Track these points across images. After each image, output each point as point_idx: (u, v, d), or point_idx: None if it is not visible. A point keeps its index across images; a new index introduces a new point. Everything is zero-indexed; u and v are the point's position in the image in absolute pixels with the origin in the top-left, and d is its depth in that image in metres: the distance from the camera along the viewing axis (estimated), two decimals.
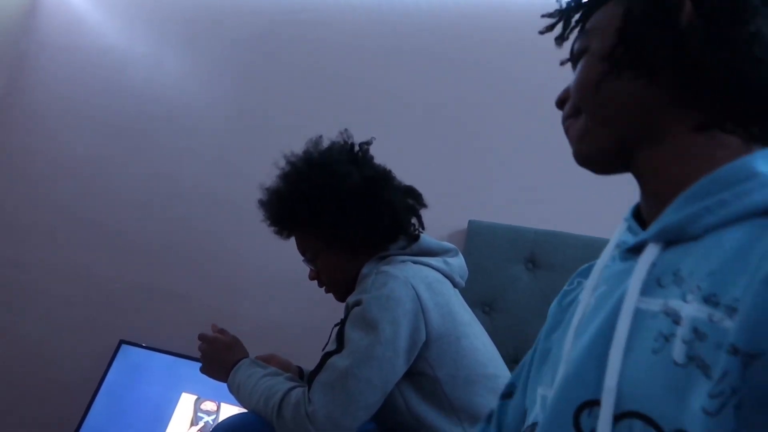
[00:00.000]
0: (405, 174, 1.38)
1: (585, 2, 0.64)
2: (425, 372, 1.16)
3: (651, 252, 0.51)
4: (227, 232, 2.18)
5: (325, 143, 1.36)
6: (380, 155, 1.39)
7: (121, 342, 2.11)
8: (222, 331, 1.37)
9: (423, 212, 1.38)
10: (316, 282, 1.39)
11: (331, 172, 1.27)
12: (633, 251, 0.54)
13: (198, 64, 2.40)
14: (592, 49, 0.59)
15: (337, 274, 1.33)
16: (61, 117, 2.45)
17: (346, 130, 1.37)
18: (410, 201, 1.34)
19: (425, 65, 2.17)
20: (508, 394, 0.73)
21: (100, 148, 2.38)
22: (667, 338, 0.44)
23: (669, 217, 0.51)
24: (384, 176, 1.32)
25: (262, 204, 1.36)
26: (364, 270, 1.26)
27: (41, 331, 2.25)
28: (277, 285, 2.09)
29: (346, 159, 1.31)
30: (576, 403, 0.49)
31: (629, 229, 0.60)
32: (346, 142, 1.35)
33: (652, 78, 0.54)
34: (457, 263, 1.35)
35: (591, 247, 1.80)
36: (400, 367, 1.13)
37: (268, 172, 1.36)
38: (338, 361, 1.12)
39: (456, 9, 2.19)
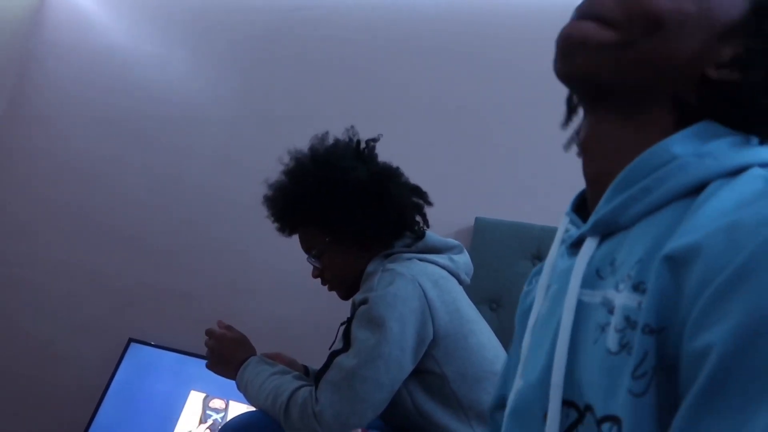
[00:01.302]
0: (412, 171, 1.38)
1: None
2: (433, 370, 1.17)
3: (589, 246, 0.51)
4: (234, 230, 2.19)
5: (331, 140, 1.35)
6: (387, 152, 1.38)
7: (131, 340, 2.12)
8: (229, 328, 1.37)
9: (429, 210, 1.38)
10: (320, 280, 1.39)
11: (336, 168, 1.26)
12: (576, 246, 0.55)
13: (204, 61, 2.40)
14: None
15: (342, 271, 1.33)
16: (67, 116, 2.47)
17: (352, 127, 1.37)
18: (416, 199, 1.34)
19: (431, 62, 2.16)
20: (501, 405, 0.72)
21: (107, 147, 2.39)
22: (603, 328, 0.45)
23: (601, 208, 0.51)
24: (391, 172, 1.32)
25: (267, 200, 1.36)
26: (369, 268, 1.26)
27: (50, 331, 2.26)
28: (284, 283, 2.09)
29: (352, 155, 1.31)
30: (540, 413, 0.50)
31: (572, 222, 0.60)
32: (351, 139, 1.35)
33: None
34: (463, 260, 1.34)
35: None
36: (407, 366, 1.14)
37: (274, 170, 1.36)
38: (345, 360, 1.12)
39: (464, 4, 2.18)
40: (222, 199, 2.23)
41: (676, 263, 0.40)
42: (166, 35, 2.45)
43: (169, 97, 2.38)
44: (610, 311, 0.45)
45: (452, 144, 2.07)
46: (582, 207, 0.61)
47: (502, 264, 1.84)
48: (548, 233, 1.84)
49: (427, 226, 1.35)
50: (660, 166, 0.48)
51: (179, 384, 2.00)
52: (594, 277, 0.49)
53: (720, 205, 0.41)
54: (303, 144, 1.37)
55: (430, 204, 1.36)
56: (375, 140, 1.35)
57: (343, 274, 1.33)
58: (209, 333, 1.36)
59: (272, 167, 1.37)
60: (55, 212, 2.38)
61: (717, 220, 0.39)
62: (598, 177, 0.55)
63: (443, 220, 1.90)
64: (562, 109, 0.66)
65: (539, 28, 2.04)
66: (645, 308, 0.41)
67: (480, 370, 1.17)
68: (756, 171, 0.43)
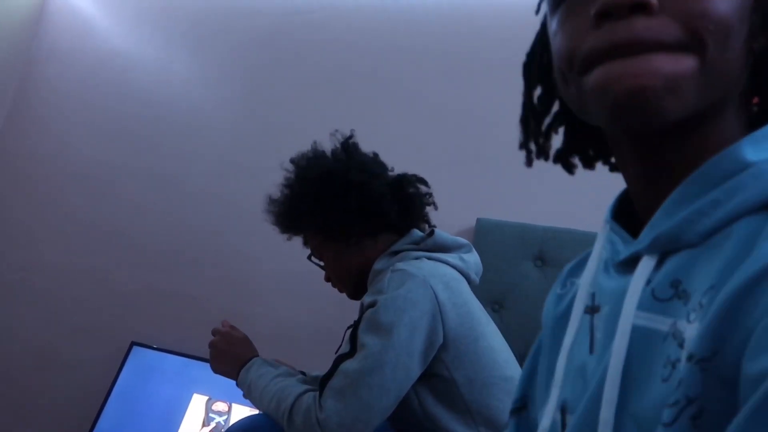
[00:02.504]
0: (412, 171, 1.39)
1: None
2: (441, 374, 1.15)
3: (646, 265, 0.45)
4: (238, 233, 2.19)
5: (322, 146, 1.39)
6: (388, 153, 1.39)
7: (133, 344, 2.12)
8: (232, 328, 1.38)
9: (430, 211, 1.38)
10: (329, 284, 1.40)
11: (305, 167, 1.32)
12: (628, 264, 0.48)
13: (206, 65, 2.40)
14: None
15: (341, 268, 1.33)
16: (69, 121, 2.47)
17: (336, 131, 1.39)
18: (410, 189, 1.33)
19: (432, 63, 2.16)
20: (522, 407, 0.65)
21: (109, 151, 2.39)
22: (674, 365, 0.39)
23: (661, 222, 0.45)
24: (360, 163, 1.32)
25: (269, 211, 1.38)
26: (377, 266, 1.25)
27: (53, 334, 2.26)
28: (289, 287, 2.09)
29: (343, 158, 1.33)
30: None
31: (614, 231, 0.53)
32: (343, 141, 1.37)
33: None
34: (473, 260, 1.33)
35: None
36: (415, 371, 1.12)
37: (277, 173, 1.37)
38: (350, 366, 1.10)
39: (464, 7, 2.18)
40: (225, 202, 2.23)
41: (744, 291, 0.35)
42: (167, 39, 2.45)
43: (171, 101, 2.38)
44: (681, 345, 0.39)
45: (452, 144, 2.08)
46: (622, 213, 0.55)
47: (505, 265, 1.84)
48: (551, 234, 1.84)
49: (430, 225, 1.35)
50: (731, 174, 0.42)
51: (182, 387, 2.00)
52: (650, 299, 0.44)
53: None
54: (305, 145, 1.38)
55: (428, 194, 1.36)
56: (351, 136, 1.37)
57: (342, 272, 1.33)
58: (215, 332, 1.36)
59: (275, 170, 1.38)
60: (58, 216, 2.37)
61: None
62: (652, 181, 0.48)
63: (444, 220, 1.89)
64: None
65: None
66: (697, 335, 0.37)
67: (489, 374, 1.15)
68: None
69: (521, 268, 1.83)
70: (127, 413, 1.99)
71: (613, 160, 0.59)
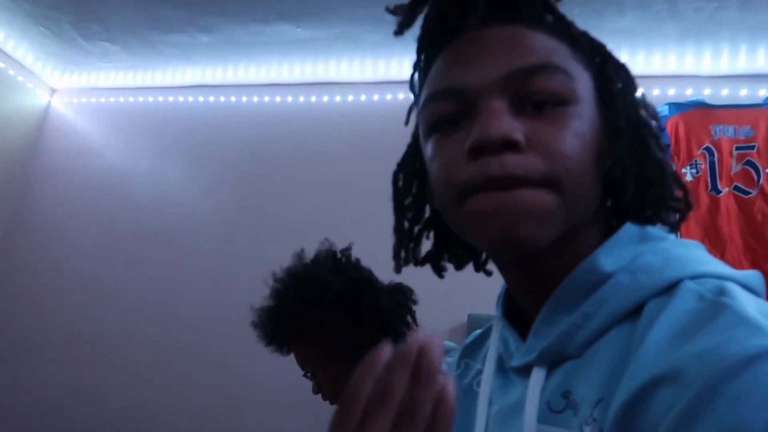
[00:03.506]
0: (403, 270, 1.40)
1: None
2: None
3: (538, 376, 0.49)
4: (230, 345, 2.15)
5: (310, 255, 1.38)
6: (378, 253, 1.40)
7: None
8: None
9: (422, 308, 1.38)
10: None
11: (313, 283, 1.27)
12: (519, 370, 0.53)
13: (196, 176, 2.48)
14: (583, 109, 0.49)
15: (338, 384, 1.31)
16: (65, 238, 2.50)
17: (326, 239, 1.39)
18: (401, 298, 1.34)
19: None
20: None
21: (104, 267, 2.41)
22: None
23: (543, 330, 0.50)
24: (367, 280, 1.33)
25: (254, 325, 1.36)
26: None
27: None
28: (281, 398, 2.03)
29: (330, 267, 1.33)
30: None
31: (506, 328, 0.56)
32: (328, 251, 1.37)
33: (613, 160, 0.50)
34: None
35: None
36: None
37: (268, 283, 1.37)
38: None
39: None
40: (217, 314, 2.22)
41: (632, 407, 0.40)
42: (160, 153, 2.55)
43: (165, 212, 2.44)
44: None
45: None
46: (510, 308, 0.59)
47: None
48: None
49: (416, 326, 1.35)
50: (594, 286, 0.47)
51: None
52: (546, 411, 0.47)
53: (662, 336, 0.41)
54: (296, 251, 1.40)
55: (415, 302, 1.36)
56: (349, 249, 1.37)
57: (338, 388, 1.31)
58: None
59: (266, 279, 1.38)
60: (50, 333, 2.36)
61: (663, 359, 0.40)
62: (531, 289, 0.53)
63: (436, 318, 1.89)
64: None
65: None
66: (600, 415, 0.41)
67: None
68: (688, 286, 0.44)
69: None
70: None
71: (483, 259, 0.64)
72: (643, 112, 0.53)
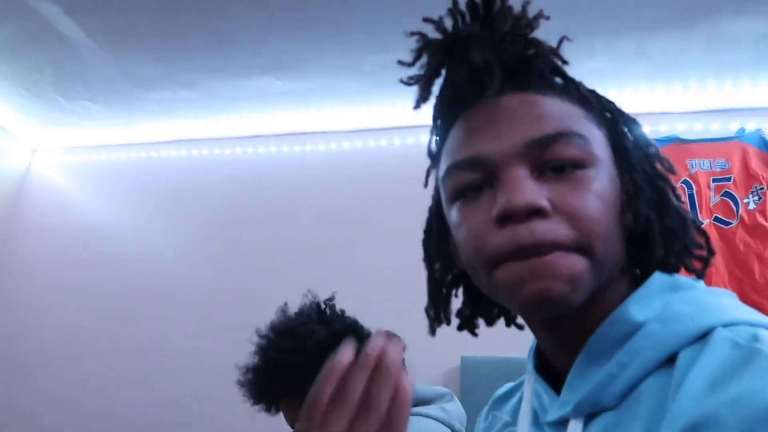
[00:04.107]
0: (391, 314, 1.39)
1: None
2: None
3: (575, 430, 0.49)
4: (218, 400, 2.10)
5: (293, 309, 1.36)
6: (366, 299, 1.40)
7: None
8: None
9: (413, 353, 1.36)
10: None
11: (295, 335, 1.25)
12: (555, 424, 0.52)
13: (181, 231, 2.47)
14: (601, 170, 0.50)
15: None
16: (47, 297, 2.46)
17: (309, 291, 1.38)
18: None
19: (405, 209, 2.23)
20: None
21: (87, 327, 2.36)
22: None
23: (577, 383, 0.50)
24: (351, 328, 1.31)
25: (240, 385, 1.33)
26: None
27: None
28: None
29: (314, 319, 1.31)
30: None
31: (539, 385, 0.56)
32: (312, 303, 1.36)
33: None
34: (455, 409, 1.30)
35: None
36: None
37: (252, 340, 1.35)
38: None
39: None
40: (202, 368, 2.17)
41: None
42: (141, 210, 2.54)
43: (147, 269, 2.42)
44: None
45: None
46: (541, 362, 0.59)
47: None
48: None
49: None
50: (626, 336, 0.48)
51: None
52: None
53: (698, 384, 0.41)
54: (282, 302, 1.38)
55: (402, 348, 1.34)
56: (332, 299, 1.36)
57: None
58: None
59: (250, 334, 1.36)
60: (33, 400, 2.29)
61: (700, 406, 0.40)
62: (561, 345, 0.53)
63: (428, 362, 1.86)
64: None
65: None
66: None
67: None
68: (721, 333, 0.44)
69: None
70: None
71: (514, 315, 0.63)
72: (657, 164, 0.55)
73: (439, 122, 0.59)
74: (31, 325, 2.42)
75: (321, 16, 1.85)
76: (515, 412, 0.62)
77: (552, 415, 0.52)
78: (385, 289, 2.06)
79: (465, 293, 0.62)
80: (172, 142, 2.64)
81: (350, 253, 2.23)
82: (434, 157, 0.59)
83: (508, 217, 0.47)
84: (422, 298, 2.09)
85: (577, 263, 0.46)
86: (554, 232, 0.46)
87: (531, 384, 0.58)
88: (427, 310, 0.63)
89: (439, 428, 1.21)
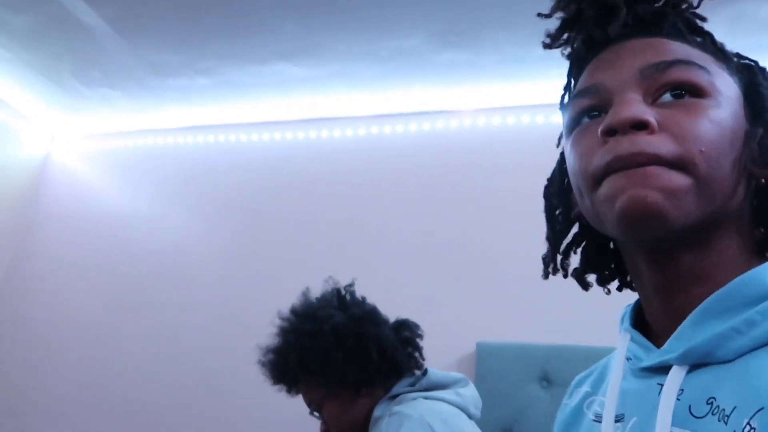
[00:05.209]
0: (407, 302, 1.39)
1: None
2: None
3: (677, 376, 0.46)
4: (233, 386, 2.13)
5: (315, 294, 1.39)
6: (381, 287, 1.40)
7: None
8: None
9: (429, 339, 1.37)
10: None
11: (314, 319, 1.29)
12: (651, 371, 0.50)
13: (199, 217, 2.48)
14: (724, 104, 0.49)
15: (343, 420, 1.29)
16: (66, 284, 2.50)
17: (330, 277, 1.40)
18: (406, 333, 1.34)
19: (421, 195, 2.25)
20: None
21: (105, 311, 2.40)
22: None
23: (689, 334, 0.47)
24: (370, 314, 1.33)
25: (261, 365, 1.36)
26: (376, 413, 1.24)
27: None
28: None
29: (334, 304, 1.33)
30: None
31: (634, 340, 0.54)
32: (333, 289, 1.38)
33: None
34: (470, 393, 1.31)
35: (603, 358, 1.76)
36: None
37: (272, 323, 1.37)
38: None
39: (450, 137, 2.32)
40: (219, 355, 2.20)
41: None
42: (159, 196, 2.56)
43: (164, 255, 2.44)
44: None
45: (445, 271, 2.10)
46: (638, 321, 0.57)
47: (510, 389, 1.79)
48: (554, 352, 1.81)
49: (423, 359, 1.34)
50: (762, 298, 0.45)
51: None
52: (687, 416, 0.44)
53: None
54: (299, 291, 1.40)
55: (420, 336, 1.36)
56: (351, 285, 1.38)
57: (346, 424, 1.29)
58: None
59: (270, 320, 1.38)
60: (52, 381, 2.33)
61: None
62: (666, 293, 0.51)
63: (444, 348, 1.87)
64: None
65: (522, 153, 2.16)
66: None
67: None
68: None
69: (527, 391, 1.78)
70: None
71: (627, 278, 0.62)
72: None
73: (571, 80, 0.60)
74: (50, 311, 2.46)
75: (337, 1, 1.84)
76: (596, 383, 0.61)
77: (650, 361, 0.50)
78: (403, 276, 2.07)
79: (582, 251, 0.63)
80: (189, 128, 2.66)
81: (367, 239, 2.23)
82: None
83: (612, 131, 0.47)
84: (439, 285, 2.11)
85: (677, 179, 0.45)
86: (655, 145, 0.46)
87: (625, 341, 0.56)
88: (544, 258, 0.63)
89: (452, 410, 1.22)
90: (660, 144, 0.46)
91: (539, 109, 2.24)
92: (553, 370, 1.79)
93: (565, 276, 0.63)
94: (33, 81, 2.43)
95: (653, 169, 0.45)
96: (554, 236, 0.63)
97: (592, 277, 0.63)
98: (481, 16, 1.86)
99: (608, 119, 0.48)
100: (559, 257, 0.62)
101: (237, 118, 2.57)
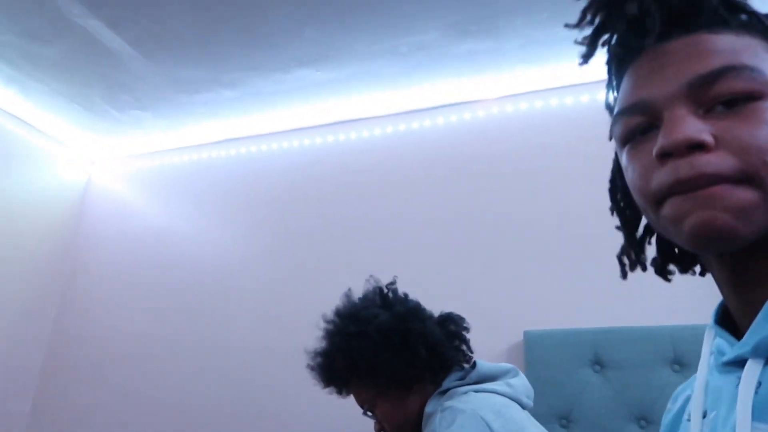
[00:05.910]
0: (450, 296, 1.39)
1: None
2: None
3: (752, 369, 0.45)
4: (283, 388, 2.16)
5: (358, 294, 1.39)
6: (423, 283, 1.40)
7: None
8: None
9: (475, 331, 1.36)
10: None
11: (359, 320, 1.29)
12: (731, 365, 0.49)
13: (236, 227, 2.52)
14: None
15: (397, 418, 1.29)
16: (114, 302, 2.57)
17: (372, 276, 1.40)
18: (452, 327, 1.33)
19: (456, 187, 2.24)
20: None
21: (154, 326, 2.46)
22: None
23: (762, 327, 0.46)
24: (414, 310, 1.32)
25: (311, 368, 1.37)
26: (428, 408, 1.23)
27: None
28: None
29: (377, 303, 1.33)
30: None
31: (719, 335, 0.54)
32: (375, 288, 1.38)
33: None
34: (521, 383, 1.30)
35: (653, 338, 1.72)
36: None
37: (314, 325, 1.38)
38: None
39: (479, 126, 2.30)
40: (267, 358, 2.23)
41: None
42: (196, 209, 2.61)
43: (206, 266, 2.49)
44: None
45: (488, 261, 2.08)
46: (725, 318, 0.56)
47: (562, 376, 1.77)
48: (602, 336, 1.78)
49: (471, 352, 1.33)
50: None
51: None
52: (765, 407, 0.43)
53: None
54: (341, 291, 1.40)
55: (466, 329, 1.35)
56: (393, 283, 1.38)
57: (398, 421, 1.30)
58: None
59: (312, 322, 1.39)
60: (112, 396, 2.40)
61: None
62: (742, 290, 0.50)
63: (491, 339, 1.86)
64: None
65: (564, 134, 2.13)
66: None
67: None
68: None
69: (580, 376, 1.75)
70: None
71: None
72: None
73: (613, 78, 0.59)
74: (101, 328, 2.54)
75: (352, 3, 1.84)
76: (686, 398, 0.61)
77: (729, 356, 0.50)
78: (444, 271, 2.06)
79: (657, 241, 0.62)
80: (219, 142, 2.70)
81: (406, 235, 2.23)
82: (611, 111, 0.59)
83: (669, 154, 0.46)
84: (481, 276, 2.09)
85: (744, 195, 0.44)
86: (716, 164, 0.44)
87: (710, 337, 0.56)
88: (619, 257, 0.63)
89: (504, 401, 1.21)
90: (720, 162, 0.44)
91: (567, 90, 2.20)
92: (604, 353, 1.76)
93: (644, 269, 0.62)
94: (67, 109, 2.50)
95: (718, 189, 0.44)
96: (626, 228, 0.62)
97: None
98: (496, 3, 1.84)
99: (661, 142, 0.47)
100: (634, 252, 0.62)
101: (265, 127, 2.60)
